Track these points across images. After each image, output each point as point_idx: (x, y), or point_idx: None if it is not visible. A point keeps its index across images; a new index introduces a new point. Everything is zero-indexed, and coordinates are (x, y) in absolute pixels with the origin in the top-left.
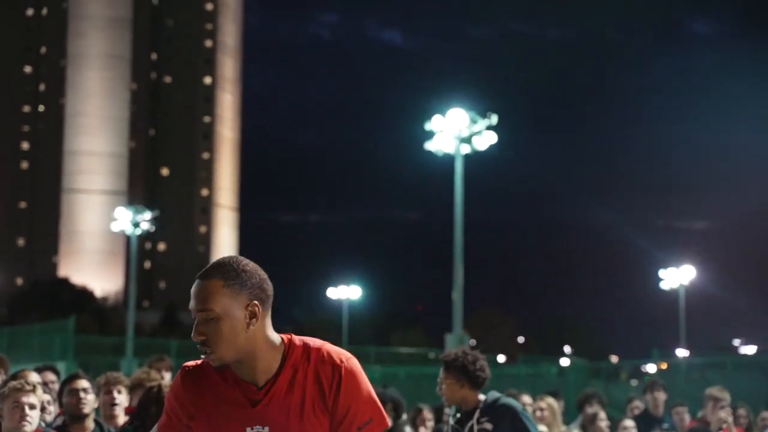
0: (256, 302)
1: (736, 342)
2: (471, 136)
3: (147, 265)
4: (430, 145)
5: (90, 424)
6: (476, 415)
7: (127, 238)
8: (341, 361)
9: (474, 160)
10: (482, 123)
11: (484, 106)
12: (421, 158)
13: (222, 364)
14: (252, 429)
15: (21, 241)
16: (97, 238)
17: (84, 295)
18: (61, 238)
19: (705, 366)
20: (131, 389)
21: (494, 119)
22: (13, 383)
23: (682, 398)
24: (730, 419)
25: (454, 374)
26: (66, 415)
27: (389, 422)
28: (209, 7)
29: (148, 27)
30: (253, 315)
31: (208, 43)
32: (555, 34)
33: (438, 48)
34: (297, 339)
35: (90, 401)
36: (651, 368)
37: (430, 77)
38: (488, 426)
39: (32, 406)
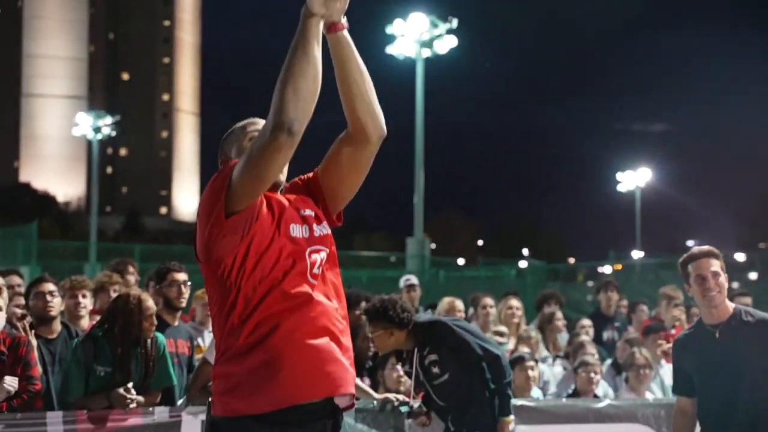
0: None
1: (690, 243)
2: (432, 39)
3: (108, 170)
4: (391, 49)
5: (57, 326)
6: (416, 352)
7: (89, 143)
8: None
9: (435, 63)
10: (443, 27)
11: (445, 10)
12: (382, 62)
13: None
14: (304, 211)
15: None
16: (58, 142)
17: (46, 200)
18: (21, 143)
19: (659, 266)
20: (94, 292)
21: (455, 23)
22: None
23: (638, 297)
24: (684, 317)
25: (379, 324)
26: (33, 318)
27: None
28: None
29: None
30: None
31: None
32: None
33: None
34: None
35: (57, 304)
36: (607, 269)
37: None
38: (433, 356)
39: None
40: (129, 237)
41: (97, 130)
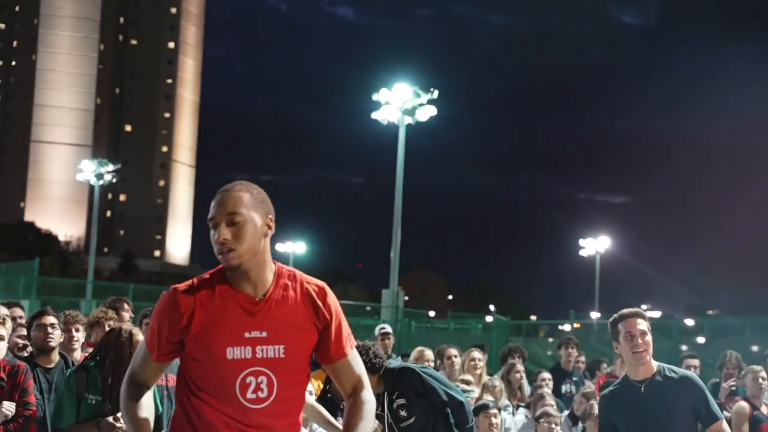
0: (271, 217)
1: (644, 307)
2: (414, 108)
3: (108, 213)
4: (376, 115)
5: (55, 356)
6: (386, 395)
7: (91, 188)
8: (323, 284)
9: (415, 130)
10: (425, 97)
11: (427, 81)
12: (367, 127)
13: (237, 266)
14: (250, 333)
15: None
16: (62, 186)
17: (48, 238)
18: (28, 185)
19: None
20: (90, 326)
21: (435, 94)
22: None
23: (595, 355)
24: None
25: None
26: (33, 348)
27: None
28: None
29: None
30: (269, 227)
31: (173, 10)
32: (494, 18)
33: (387, 25)
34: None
35: (57, 336)
36: (567, 328)
37: (379, 52)
38: (401, 401)
39: (0, 337)
40: (123, 277)
41: (99, 176)
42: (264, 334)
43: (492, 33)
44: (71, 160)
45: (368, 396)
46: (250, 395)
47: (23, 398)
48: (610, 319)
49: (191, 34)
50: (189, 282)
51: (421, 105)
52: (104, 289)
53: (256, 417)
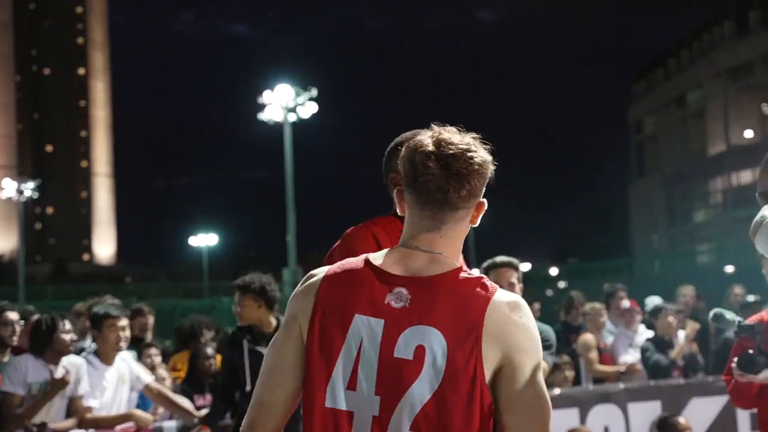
0: None
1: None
2: (296, 106)
3: (38, 226)
4: (262, 115)
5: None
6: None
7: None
8: None
9: (300, 126)
10: (305, 95)
11: (307, 81)
12: (255, 127)
13: None
14: None
15: None
16: None
17: None
18: None
19: None
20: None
21: (314, 92)
22: None
23: None
24: None
25: (252, 296)
26: None
27: None
28: (79, 9)
29: (27, 28)
30: None
31: (80, 39)
32: (370, 24)
33: (275, 38)
34: None
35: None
36: None
37: (271, 62)
38: None
39: None
40: (56, 280)
41: (21, 192)
42: None
43: (366, 37)
44: None
45: None
46: None
47: None
48: None
49: (98, 59)
50: None
51: (302, 103)
52: (38, 293)
53: None
